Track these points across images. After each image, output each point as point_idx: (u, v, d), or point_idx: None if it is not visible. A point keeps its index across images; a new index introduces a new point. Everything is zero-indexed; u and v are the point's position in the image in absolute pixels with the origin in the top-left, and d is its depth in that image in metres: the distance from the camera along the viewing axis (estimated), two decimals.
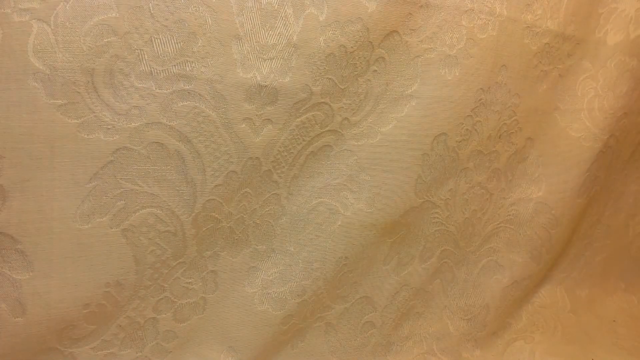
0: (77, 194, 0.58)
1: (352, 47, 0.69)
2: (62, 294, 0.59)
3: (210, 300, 0.72)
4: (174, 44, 0.59)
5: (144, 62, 0.58)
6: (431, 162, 0.81)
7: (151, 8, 0.57)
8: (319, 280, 0.77)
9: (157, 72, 0.59)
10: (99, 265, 0.61)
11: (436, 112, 0.78)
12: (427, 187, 0.82)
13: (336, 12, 0.66)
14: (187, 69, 0.60)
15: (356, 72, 0.71)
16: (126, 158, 0.60)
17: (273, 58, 0.64)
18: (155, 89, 0.59)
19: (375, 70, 0.73)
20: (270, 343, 0.76)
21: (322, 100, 0.70)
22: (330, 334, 0.82)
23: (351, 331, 0.83)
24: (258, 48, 0.63)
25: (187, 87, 0.61)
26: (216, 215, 0.68)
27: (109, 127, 0.58)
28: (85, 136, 0.57)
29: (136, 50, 0.57)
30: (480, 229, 0.93)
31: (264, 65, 0.64)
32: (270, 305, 0.75)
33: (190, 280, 0.69)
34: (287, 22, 0.64)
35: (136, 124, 0.59)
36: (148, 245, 0.63)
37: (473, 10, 0.77)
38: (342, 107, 0.72)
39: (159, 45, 0.58)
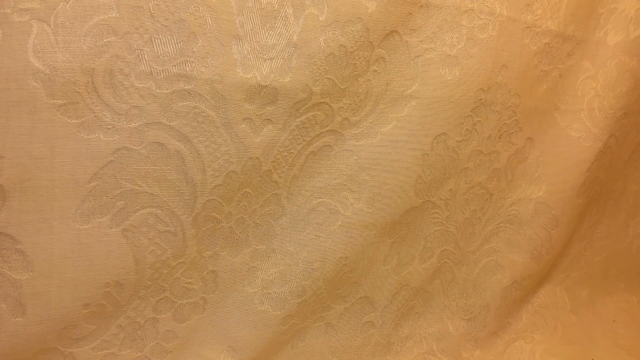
0: (77, 194, 0.58)
1: (352, 47, 0.68)
2: (62, 294, 0.59)
3: (210, 300, 0.72)
4: (174, 44, 0.59)
5: (144, 62, 0.58)
6: (431, 162, 0.81)
7: (151, 8, 0.57)
8: (319, 280, 0.77)
9: (157, 72, 0.59)
10: (99, 265, 0.61)
11: (436, 112, 0.78)
12: (427, 187, 0.82)
13: (336, 12, 0.66)
14: (187, 69, 0.60)
15: (356, 72, 0.71)
16: (126, 158, 0.60)
17: (273, 58, 0.64)
18: (155, 89, 0.59)
19: (375, 70, 0.73)
20: (270, 343, 0.76)
21: (322, 100, 0.70)
22: (330, 334, 0.82)
23: (351, 331, 0.83)
24: (258, 48, 0.63)
25: (187, 87, 0.61)
26: (216, 215, 0.68)
27: (109, 127, 0.58)
28: (85, 136, 0.57)
29: (136, 50, 0.57)
30: (480, 229, 0.93)
31: (264, 65, 0.64)
32: (270, 305, 0.75)
33: (190, 280, 0.69)
34: (287, 22, 0.64)
35: (136, 124, 0.59)
36: (148, 245, 0.63)
37: (473, 10, 0.77)
38: (342, 107, 0.72)
39: (159, 45, 0.58)
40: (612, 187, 1.12)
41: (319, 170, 0.75)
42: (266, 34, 0.64)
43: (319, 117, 0.71)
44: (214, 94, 0.62)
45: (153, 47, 0.58)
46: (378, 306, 0.85)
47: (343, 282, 0.80)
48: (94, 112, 0.57)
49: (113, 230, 0.61)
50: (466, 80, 0.79)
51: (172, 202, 0.64)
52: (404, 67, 0.75)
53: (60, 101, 0.55)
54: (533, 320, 1.03)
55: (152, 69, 0.59)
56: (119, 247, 0.61)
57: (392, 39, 0.72)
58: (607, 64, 0.97)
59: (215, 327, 0.73)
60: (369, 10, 0.68)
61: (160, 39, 0.58)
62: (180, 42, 0.59)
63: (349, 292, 0.82)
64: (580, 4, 0.90)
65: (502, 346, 0.97)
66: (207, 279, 0.71)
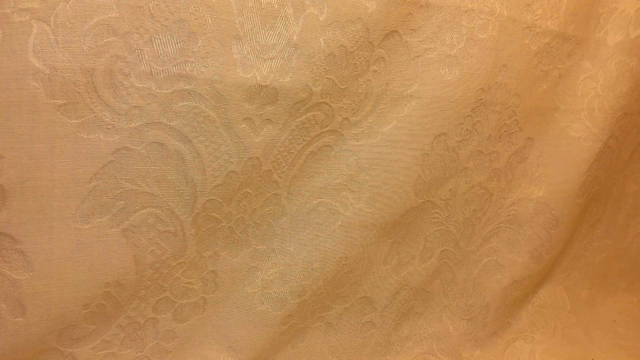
0: (77, 194, 0.58)
1: (352, 47, 0.68)
2: (62, 294, 0.59)
3: (210, 300, 0.72)
4: (174, 44, 0.59)
5: (144, 62, 0.58)
6: (431, 162, 0.81)
7: (151, 8, 0.57)
8: (319, 280, 0.77)
9: (157, 72, 0.59)
10: (99, 265, 0.61)
11: (436, 112, 0.78)
12: (427, 187, 0.82)
13: (336, 12, 0.66)
14: (187, 69, 0.60)
15: (356, 72, 0.71)
16: (126, 158, 0.60)
17: (273, 58, 0.64)
18: (155, 89, 0.59)
19: (376, 70, 0.73)
20: (270, 343, 0.76)
21: (322, 100, 0.70)
22: (330, 334, 0.82)
23: (351, 331, 0.83)
24: (258, 48, 0.63)
25: (187, 87, 0.61)
26: (216, 215, 0.68)
27: (109, 127, 0.58)
28: (85, 136, 0.57)
29: (136, 50, 0.57)
30: (480, 229, 0.93)
31: (264, 65, 0.64)
32: (270, 305, 0.75)
33: (190, 280, 0.69)
34: (287, 22, 0.64)
35: (136, 124, 0.59)
36: (148, 245, 0.63)
37: (473, 10, 0.77)
38: (342, 107, 0.72)
39: (159, 45, 0.58)
40: (612, 187, 1.12)
41: (319, 170, 0.75)
42: (266, 34, 0.64)
43: (319, 117, 0.71)
44: (214, 94, 0.62)
45: (153, 47, 0.58)
46: (378, 306, 0.85)
47: (343, 282, 0.80)
48: (94, 112, 0.57)
49: (113, 230, 0.61)
50: (466, 80, 0.79)
51: (172, 202, 0.64)
52: (404, 67, 0.75)
53: (60, 101, 0.55)
54: (533, 320, 1.03)
55: (152, 69, 0.59)
56: (119, 247, 0.61)
57: (392, 39, 0.72)
58: (607, 64, 0.96)
59: (215, 327, 0.73)
60: (369, 10, 0.68)
61: (160, 39, 0.58)
62: (180, 42, 0.59)
63: (349, 292, 0.82)
64: (580, 4, 0.90)
65: (502, 346, 0.97)
66: (207, 279, 0.71)
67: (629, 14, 0.96)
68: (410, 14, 0.72)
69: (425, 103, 0.77)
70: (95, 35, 0.55)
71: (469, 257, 0.94)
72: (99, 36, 0.55)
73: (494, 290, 0.96)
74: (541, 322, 1.03)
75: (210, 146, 0.64)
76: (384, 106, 0.75)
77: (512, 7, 0.81)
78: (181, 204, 0.65)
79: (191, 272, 0.69)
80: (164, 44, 0.58)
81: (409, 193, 0.80)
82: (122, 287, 0.63)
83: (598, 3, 0.94)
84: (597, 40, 0.95)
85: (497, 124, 0.87)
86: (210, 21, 0.60)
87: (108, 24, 0.56)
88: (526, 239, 0.98)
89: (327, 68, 0.68)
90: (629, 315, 1.14)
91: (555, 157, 0.97)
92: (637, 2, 0.96)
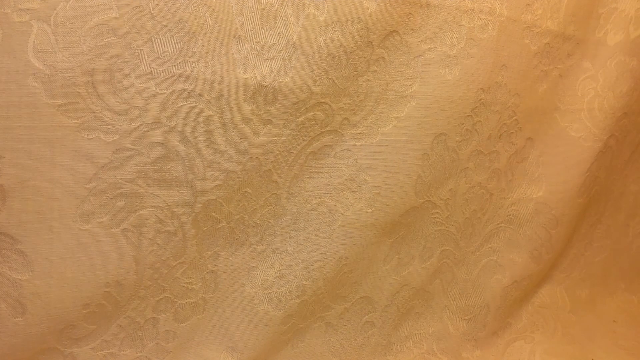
0: (77, 194, 0.58)
1: (352, 47, 0.69)
2: (62, 294, 0.59)
3: (210, 300, 0.72)
4: (174, 44, 0.59)
5: (144, 62, 0.58)
6: (431, 162, 0.81)
7: (151, 8, 0.57)
8: (319, 280, 0.77)
9: (157, 72, 0.59)
10: (99, 265, 0.61)
11: (436, 112, 0.78)
12: (427, 187, 0.82)
13: (336, 12, 0.66)
14: (187, 69, 0.60)
15: (356, 72, 0.71)
16: (126, 158, 0.60)
17: (273, 58, 0.64)
18: (155, 89, 0.59)
19: (375, 70, 0.73)
20: (270, 343, 0.76)
21: (322, 100, 0.70)
22: (330, 334, 0.82)
23: (351, 331, 0.83)
24: (258, 48, 0.63)
25: (187, 87, 0.61)
26: (216, 215, 0.68)
27: (109, 127, 0.58)
28: (85, 136, 0.57)
29: (136, 50, 0.57)
30: (480, 229, 0.93)
31: (264, 65, 0.64)
32: (270, 305, 0.75)
33: (190, 280, 0.69)
34: (287, 22, 0.64)
35: (136, 124, 0.59)
36: (148, 245, 0.63)
37: (473, 10, 0.77)
38: (342, 107, 0.72)
39: (159, 45, 0.58)
40: (612, 187, 1.12)
41: (319, 170, 0.75)
42: (266, 34, 0.64)
43: (319, 117, 0.71)
44: (214, 94, 0.62)
45: (153, 47, 0.58)
46: (378, 306, 0.85)
47: (343, 282, 0.80)
48: (94, 112, 0.57)
49: (113, 230, 0.61)
50: (466, 80, 0.79)
51: (172, 202, 0.64)
52: (404, 67, 0.75)
53: (60, 101, 0.55)
54: (533, 320, 1.03)
55: (152, 69, 0.59)
56: (119, 247, 0.61)
57: (392, 39, 0.72)
58: (607, 64, 0.97)
59: (215, 327, 0.73)
60: (369, 10, 0.68)
61: (160, 39, 0.58)
62: (180, 42, 0.59)
63: (349, 292, 0.82)
64: (580, 4, 0.90)
65: (502, 346, 0.97)
66: (207, 279, 0.71)
67: (629, 14, 0.96)
68: (410, 14, 0.72)
69: (425, 103, 0.77)
70: (95, 35, 0.55)
71: (469, 257, 0.94)
72: (99, 36, 0.55)
73: (494, 290, 0.96)
74: (541, 322, 1.03)
75: (210, 146, 0.64)
76: (384, 106, 0.75)
77: (512, 7, 0.81)
78: (181, 204, 0.65)
79: (191, 272, 0.69)
80: (164, 44, 0.58)
81: (409, 193, 0.80)
82: (122, 287, 0.63)
83: (598, 3, 0.94)
84: (597, 40, 0.96)
85: (497, 124, 0.87)
86: (210, 21, 0.60)
87: (108, 24, 0.56)
88: (526, 239, 0.98)
89: (327, 68, 0.68)
90: (629, 315, 1.14)
91: (555, 157, 0.97)
92: (637, 2, 0.96)
